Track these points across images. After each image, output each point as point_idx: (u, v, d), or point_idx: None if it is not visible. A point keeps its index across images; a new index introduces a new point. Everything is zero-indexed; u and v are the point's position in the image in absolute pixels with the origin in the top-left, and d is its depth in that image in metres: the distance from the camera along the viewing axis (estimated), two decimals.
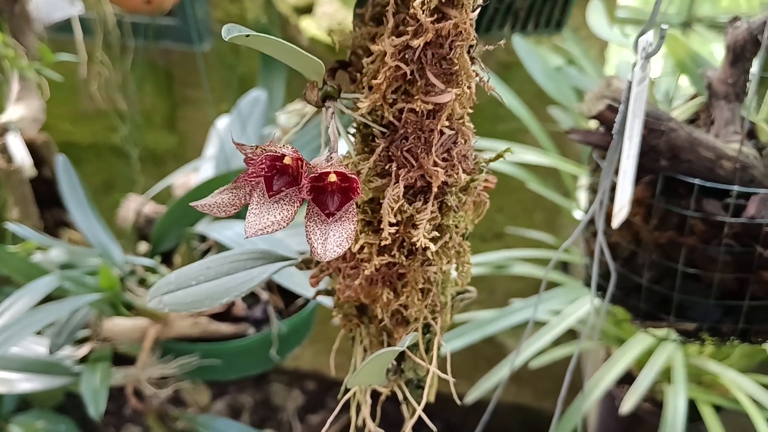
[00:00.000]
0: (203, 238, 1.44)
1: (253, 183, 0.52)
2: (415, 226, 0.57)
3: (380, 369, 0.61)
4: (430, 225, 0.56)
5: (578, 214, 1.84)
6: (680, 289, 0.93)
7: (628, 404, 1.44)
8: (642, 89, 0.70)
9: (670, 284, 0.94)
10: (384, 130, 0.58)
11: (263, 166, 0.50)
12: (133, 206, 1.43)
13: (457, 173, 0.57)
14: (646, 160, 0.87)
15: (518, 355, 0.95)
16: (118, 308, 1.26)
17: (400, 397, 0.75)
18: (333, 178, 0.50)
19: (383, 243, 0.56)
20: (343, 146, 1.58)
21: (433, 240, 0.57)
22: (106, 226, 1.33)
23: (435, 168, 0.55)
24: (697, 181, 0.87)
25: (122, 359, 1.35)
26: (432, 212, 0.57)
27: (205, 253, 1.41)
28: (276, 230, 0.48)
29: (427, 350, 0.68)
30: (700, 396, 1.61)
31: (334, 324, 1.92)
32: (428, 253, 0.58)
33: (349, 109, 0.58)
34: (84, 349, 1.31)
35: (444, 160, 0.56)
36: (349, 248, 0.63)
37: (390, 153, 0.57)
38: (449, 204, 0.58)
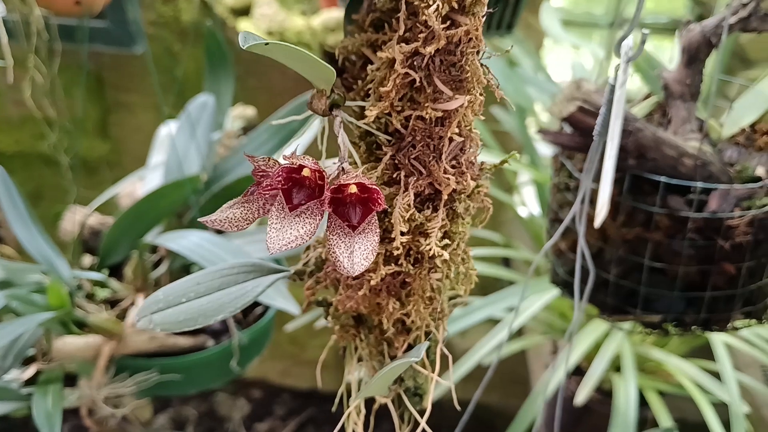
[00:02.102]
0: (153, 249, 1.39)
1: (267, 196, 0.50)
2: (423, 234, 0.57)
3: (391, 379, 0.61)
4: (440, 233, 0.56)
5: (522, 211, 1.88)
6: (646, 282, 0.96)
7: (581, 395, 1.48)
8: (622, 92, 0.72)
9: (637, 278, 0.97)
10: (389, 138, 0.57)
11: (280, 178, 0.49)
12: (77, 218, 1.37)
13: (466, 180, 0.57)
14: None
15: (498, 352, 0.96)
16: (68, 326, 1.20)
17: (391, 406, 0.74)
18: (353, 189, 0.49)
19: (395, 252, 0.55)
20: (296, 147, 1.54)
21: (444, 248, 0.57)
22: (50, 240, 1.27)
23: (446, 176, 0.55)
24: (662, 178, 0.90)
25: (71, 378, 1.28)
26: (442, 219, 0.56)
27: (156, 264, 1.36)
28: (300, 245, 0.47)
29: (427, 356, 0.68)
30: (645, 383, 1.68)
31: (285, 331, 1.88)
32: (437, 261, 0.58)
33: (353, 117, 0.57)
34: (30, 371, 1.23)
35: (453, 167, 0.56)
36: None
37: (396, 161, 0.57)
38: (457, 211, 0.58)
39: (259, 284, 0.66)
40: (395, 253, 0.55)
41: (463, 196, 0.58)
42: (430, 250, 0.55)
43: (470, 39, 0.52)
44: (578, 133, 0.91)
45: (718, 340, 1.54)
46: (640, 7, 0.67)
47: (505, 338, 1.17)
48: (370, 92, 0.59)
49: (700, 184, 0.89)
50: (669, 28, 2.06)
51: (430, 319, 0.64)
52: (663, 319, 0.99)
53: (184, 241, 1.19)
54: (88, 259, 1.39)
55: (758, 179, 0.94)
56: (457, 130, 0.55)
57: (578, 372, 1.70)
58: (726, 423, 1.44)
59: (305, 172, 0.48)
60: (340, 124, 0.54)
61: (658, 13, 2.10)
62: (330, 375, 2.41)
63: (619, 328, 1.02)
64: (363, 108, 0.60)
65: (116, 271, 1.35)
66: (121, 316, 1.27)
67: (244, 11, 1.94)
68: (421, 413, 0.71)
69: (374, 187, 0.48)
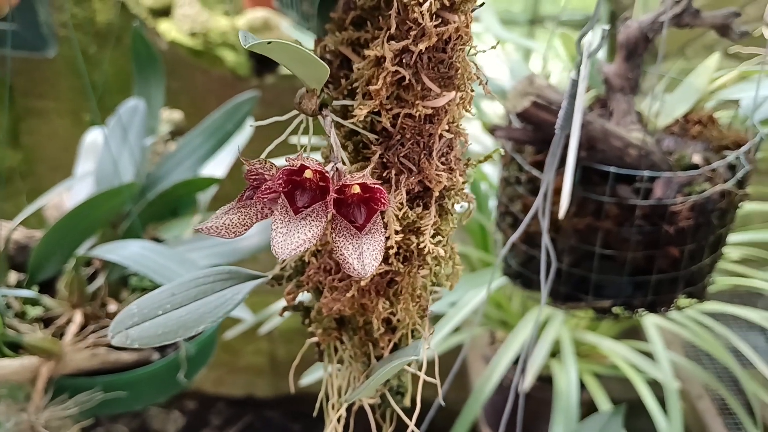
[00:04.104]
0: (87, 262, 1.33)
1: (265, 200, 0.49)
2: (414, 232, 0.57)
3: (385, 379, 0.60)
4: (432, 230, 0.56)
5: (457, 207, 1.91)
6: (597, 269, 1.00)
7: (526, 383, 1.52)
8: (583, 86, 0.75)
9: (588, 266, 1.00)
10: (377, 137, 0.56)
11: (280, 181, 0.47)
12: (1, 233, 1.28)
13: (455, 177, 0.57)
14: (565, 151, 0.92)
15: (461, 358, 0.97)
16: (0, 349, 1.12)
17: (368, 408, 0.74)
18: (356, 189, 0.48)
19: (390, 251, 0.55)
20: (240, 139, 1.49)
21: (436, 245, 0.57)
22: None
23: (437, 173, 0.55)
24: (612, 168, 0.93)
25: None
26: (434, 217, 0.56)
27: (91, 277, 1.30)
28: (307, 248, 0.46)
29: None
30: (581, 366, 1.74)
31: (223, 339, 1.83)
32: (428, 258, 0.58)
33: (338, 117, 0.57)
34: None
35: (443, 164, 0.56)
36: (335, 261, 0.62)
37: (385, 160, 0.56)
38: (446, 208, 0.58)
39: (238, 291, 0.64)
40: (390, 252, 0.55)
41: (452, 192, 0.58)
42: (425, 247, 0.55)
43: (460, 36, 0.52)
44: (532, 127, 0.93)
45: (649, 321, 1.61)
46: (599, 5, 0.69)
47: (465, 329, 1.17)
48: (352, 91, 0.59)
49: (646, 173, 0.94)
50: (583, 24, 2.14)
51: (417, 317, 0.64)
52: (613, 303, 1.03)
53: (125, 252, 1.14)
54: (14, 276, 1.31)
55: (696, 166, 0.99)
56: (446, 127, 0.55)
57: (518, 361, 1.74)
58: (659, 399, 1.52)
59: (307, 174, 0.47)
60: (331, 124, 0.53)
61: (573, 10, 2.18)
62: (266, 381, 2.37)
63: (571, 313, 1.05)
64: (345, 107, 0.59)
65: (47, 288, 1.28)
66: (57, 334, 1.20)
67: (165, 12, 1.88)
68: (403, 410, 0.71)
69: (376, 186, 0.48)
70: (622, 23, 1.01)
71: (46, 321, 1.23)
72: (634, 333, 1.90)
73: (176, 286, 0.64)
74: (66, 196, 1.36)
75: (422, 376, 0.65)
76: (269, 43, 0.44)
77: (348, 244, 0.47)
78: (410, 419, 0.68)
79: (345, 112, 0.59)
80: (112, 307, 1.25)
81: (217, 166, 1.48)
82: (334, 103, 0.58)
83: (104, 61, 1.84)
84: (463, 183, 0.59)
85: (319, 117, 0.54)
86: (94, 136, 1.45)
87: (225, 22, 1.88)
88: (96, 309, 1.24)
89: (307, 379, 1.42)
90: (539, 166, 0.99)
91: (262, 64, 1.93)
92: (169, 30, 1.85)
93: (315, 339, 0.71)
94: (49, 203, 1.36)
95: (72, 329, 1.19)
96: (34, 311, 1.23)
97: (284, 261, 0.68)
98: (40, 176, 2.00)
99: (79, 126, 1.93)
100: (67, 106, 1.93)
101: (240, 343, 2.24)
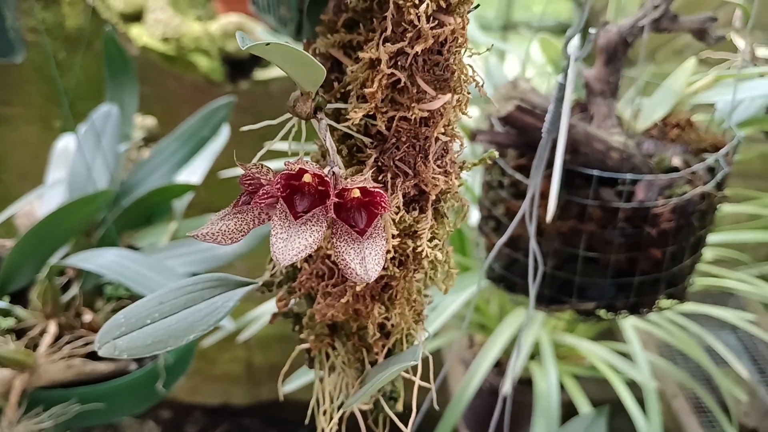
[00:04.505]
0: (59, 271, 1.29)
1: (263, 205, 0.48)
2: (410, 236, 0.56)
3: (383, 384, 0.59)
4: (429, 233, 0.56)
5: None
6: (581, 272, 1.00)
7: (506, 385, 1.52)
8: (569, 90, 0.75)
9: (572, 269, 1.01)
10: (371, 140, 0.56)
11: (278, 186, 0.46)
12: None
13: (451, 180, 0.56)
14: (550, 155, 0.92)
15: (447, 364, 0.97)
16: None
17: (358, 414, 0.73)
18: (356, 193, 0.47)
19: (386, 255, 0.54)
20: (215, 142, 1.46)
21: (433, 248, 0.56)
22: None
23: (434, 176, 0.54)
24: (595, 172, 0.94)
25: None
26: (431, 220, 0.56)
27: (66, 286, 1.27)
28: (308, 253, 0.45)
29: None
30: (559, 368, 1.75)
31: (200, 346, 1.80)
32: (425, 262, 0.57)
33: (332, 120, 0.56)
34: None
35: (439, 167, 0.56)
36: (327, 266, 0.61)
37: (380, 163, 0.56)
38: (441, 211, 0.58)
39: (229, 299, 0.63)
40: (386, 256, 0.54)
41: (448, 195, 0.58)
42: (422, 251, 0.55)
43: (455, 38, 0.52)
44: (515, 131, 0.93)
45: (626, 322, 1.63)
46: (585, 11, 0.70)
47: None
48: (344, 94, 0.58)
49: (629, 176, 0.94)
50: (556, 30, 2.17)
51: (412, 321, 0.63)
52: (596, 305, 1.04)
53: (101, 260, 1.11)
54: None
55: (675, 169, 1.00)
56: (442, 130, 0.55)
57: (497, 365, 1.74)
58: (635, 399, 1.53)
59: (306, 178, 0.46)
60: (326, 127, 0.52)
61: (546, 16, 2.20)
62: (242, 388, 2.34)
63: (554, 316, 1.06)
64: (338, 111, 0.58)
65: (20, 298, 1.24)
66: (31, 345, 1.16)
67: (136, 17, 1.85)
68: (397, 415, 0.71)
69: (377, 190, 0.47)
70: (601, 28, 1.01)
71: (19, 332, 1.20)
72: (610, 334, 1.92)
73: (164, 295, 0.63)
74: (37, 205, 1.33)
75: (417, 381, 0.65)
76: (267, 44, 0.43)
77: (349, 249, 0.46)
78: (404, 425, 0.67)
79: (337, 116, 0.59)
80: (87, 317, 1.23)
81: (192, 173, 1.46)
82: (332, 106, 0.57)
83: (75, 66, 1.80)
84: (459, 186, 0.59)
85: (313, 120, 0.53)
86: (65, 143, 1.42)
87: (198, 28, 1.86)
88: (70, 319, 1.21)
89: (288, 386, 1.41)
90: (522, 169, 0.99)
91: (236, 69, 1.91)
92: (141, 35, 1.83)
93: (306, 345, 0.70)
94: (19, 212, 1.33)
95: (46, 340, 1.16)
96: (6, 322, 1.20)
97: (274, 267, 0.67)
98: (9, 184, 1.95)
99: (48, 133, 1.88)
100: (36, 113, 1.89)
101: (216, 350, 2.21)
